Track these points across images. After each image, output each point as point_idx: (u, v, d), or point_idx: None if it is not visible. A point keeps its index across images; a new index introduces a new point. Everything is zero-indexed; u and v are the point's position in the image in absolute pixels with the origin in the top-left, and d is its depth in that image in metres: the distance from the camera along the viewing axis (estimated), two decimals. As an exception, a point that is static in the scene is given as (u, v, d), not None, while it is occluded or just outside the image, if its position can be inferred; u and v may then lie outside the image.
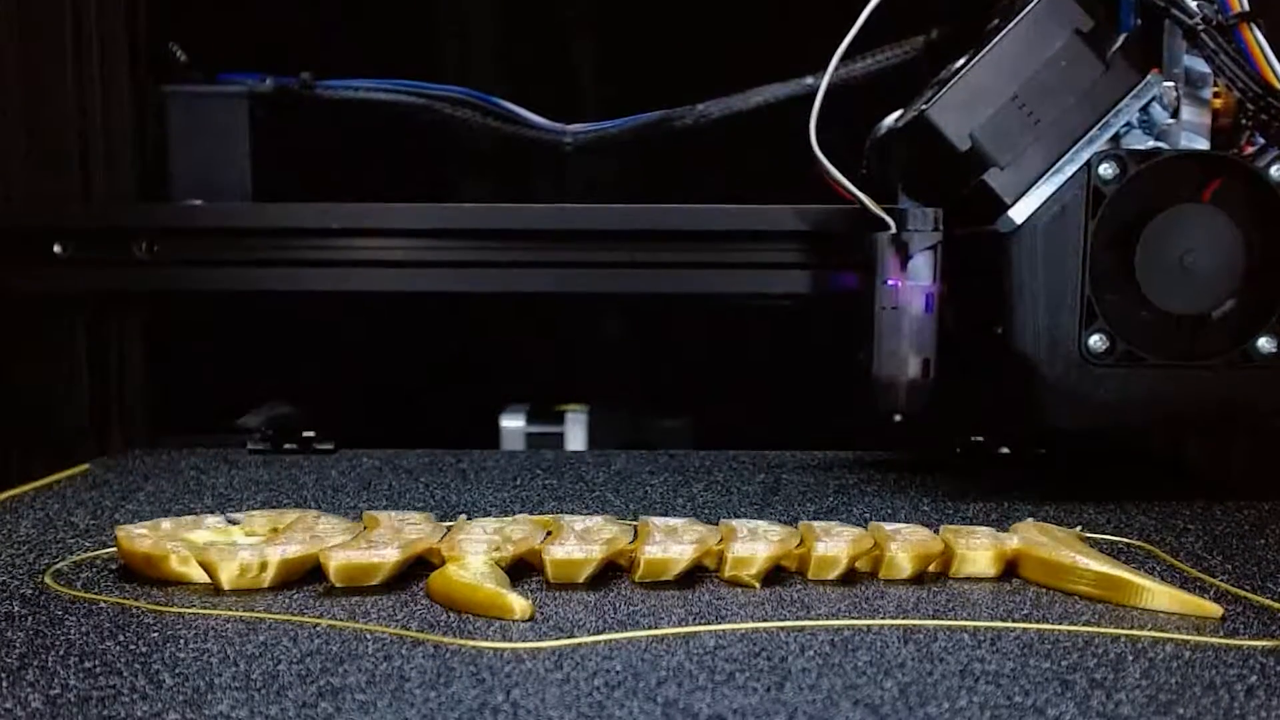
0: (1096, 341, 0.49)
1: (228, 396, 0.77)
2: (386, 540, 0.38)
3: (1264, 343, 0.50)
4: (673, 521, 0.41)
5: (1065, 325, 0.49)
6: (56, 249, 0.66)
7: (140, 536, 0.39)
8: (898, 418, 0.55)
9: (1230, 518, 0.50)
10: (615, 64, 0.78)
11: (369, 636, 0.33)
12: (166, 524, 0.41)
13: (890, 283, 0.55)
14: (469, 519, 0.42)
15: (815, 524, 0.40)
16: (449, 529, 0.40)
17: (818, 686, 0.29)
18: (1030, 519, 0.43)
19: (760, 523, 0.41)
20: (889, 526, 0.40)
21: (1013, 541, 0.40)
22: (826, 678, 0.30)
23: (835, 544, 0.38)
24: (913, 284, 0.54)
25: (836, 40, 0.55)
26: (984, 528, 0.40)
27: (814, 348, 0.80)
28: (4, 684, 0.29)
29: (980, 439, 0.70)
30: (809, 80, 0.68)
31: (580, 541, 0.38)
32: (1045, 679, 0.30)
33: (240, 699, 0.28)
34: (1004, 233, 0.49)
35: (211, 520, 0.42)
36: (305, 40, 0.75)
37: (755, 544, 0.38)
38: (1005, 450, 0.71)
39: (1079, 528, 0.45)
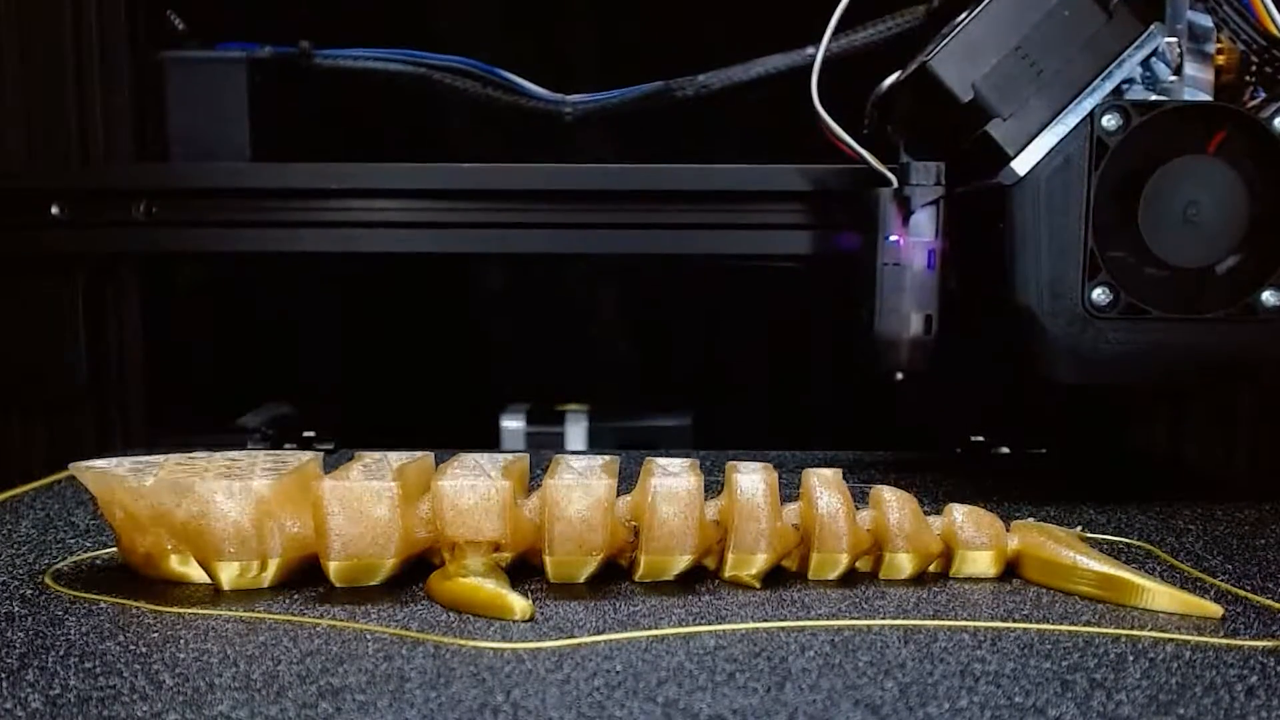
0: (1100, 294, 0.49)
1: (228, 395, 0.77)
2: (380, 473, 0.38)
3: (1268, 296, 0.49)
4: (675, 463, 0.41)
5: (1068, 278, 0.49)
6: (54, 210, 0.66)
7: (99, 470, 0.38)
8: (899, 376, 0.55)
9: (1230, 518, 0.50)
10: (616, 35, 0.78)
11: (369, 637, 0.33)
12: (128, 462, 0.40)
13: (892, 239, 0.54)
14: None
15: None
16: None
17: (818, 687, 0.29)
18: (1030, 519, 0.43)
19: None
20: (886, 493, 0.40)
21: (1013, 542, 0.40)
22: (827, 678, 0.30)
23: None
24: (914, 240, 0.54)
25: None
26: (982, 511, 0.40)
27: (815, 347, 0.80)
28: (4, 684, 0.29)
29: (980, 439, 0.70)
30: (810, 51, 0.68)
31: (582, 476, 0.38)
32: (1046, 679, 0.30)
33: (240, 699, 0.28)
34: (1007, 185, 0.49)
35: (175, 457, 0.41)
36: (304, 9, 0.75)
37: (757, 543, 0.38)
38: (1005, 450, 0.71)
39: (1079, 528, 0.45)
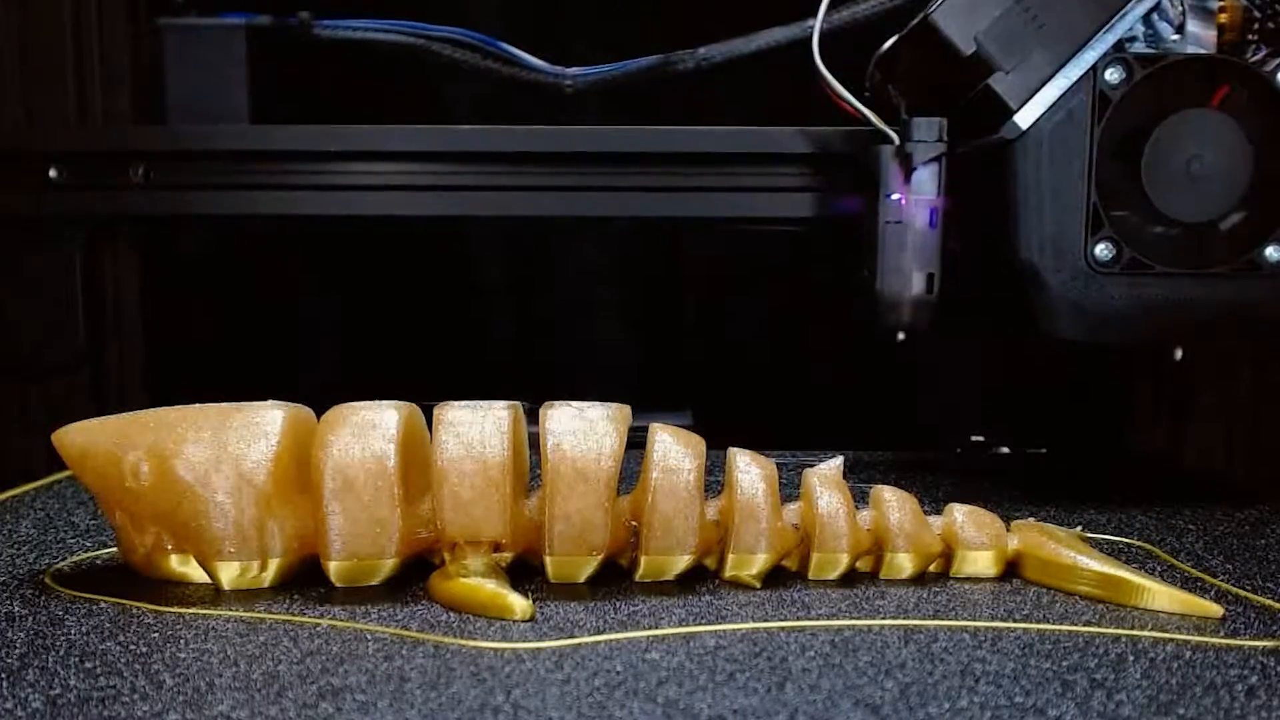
0: (1103, 250, 0.49)
1: (227, 396, 0.76)
2: (383, 404, 0.38)
3: (1271, 251, 0.49)
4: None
5: (1071, 233, 0.49)
6: (52, 173, 0.65)
7: (81, 431, 0.38)
8: (901, 336, 0.55)
9: (1230, 518, 0.50)
10: (617, 7, 0.77)
11: (369, 636, 0.33)
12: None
13: (894, 197, 0.54)
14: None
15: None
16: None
17: (818, 687, 0.29)
18: (1030, 519, 0.43)
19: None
20: (886, 493, 0.40)
21: (1013, 542, 0.40)
22: (827, 678, 0.30)
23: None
24: (916, 197, 0.54)
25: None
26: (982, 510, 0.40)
27: (816, 346, 0.80)
28: (4, 684, 0.29)
29: (980, 439, 0.70)
30: (810, 23, 0.68)
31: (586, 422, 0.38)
32: (1046, 679, 0.30)
33: (240, 699, 0.28)
34: (1009, 139, 0.49)
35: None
36: None
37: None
38: (1005, 450, 0.71)
39: (1079, 528, 0.45)
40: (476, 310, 0.82)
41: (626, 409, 0.40)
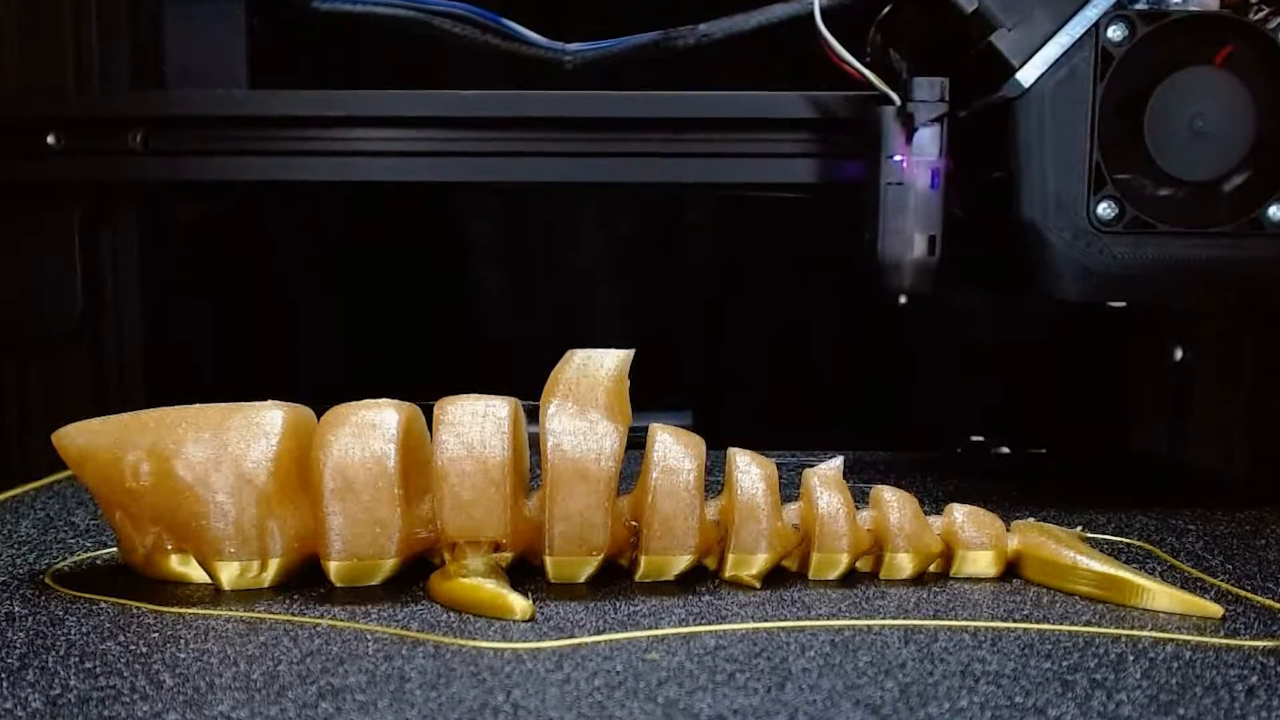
0: (1105, 209, 0.48)
1: (225, 372, 0.76)
2: (383, 403, 0.38)
3: (1274, 211, 0.49)
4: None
5: (1073, 192, 0.48)
6: (50, 139, 0.65)
7: (82, 432, 0.38)
8: (903, 299, 0.55)
9: (1230, 518, 0.50)
10: None
11: (369, 637, 0.33)
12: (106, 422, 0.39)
13: (895, 158, 0.54)
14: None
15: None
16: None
17: (818, 687, 0.29)
18: (1030, 519, 0.43)
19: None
20: (886, 493, 0.40)
21: (1013, 542, 0.40)
22: (827, 678, 0.30)
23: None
24: (918, 159, 0.53)
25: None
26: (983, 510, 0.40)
27: (817, 346, 0.80)
28: (4, 684, 0.29)
29: (980, 439, 0.70)
30: (810, 0, 0.67)
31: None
32: (1046, 679, 0.30)
33: (241, 699, 0.28)
34: (1011, 97, 0.48)
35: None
36: None
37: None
38: (1005, 450, 0.71)
39: (1079, 528, 0.45)
40: (475, 308, 0.82)
41: (628, 353, 0.40)
